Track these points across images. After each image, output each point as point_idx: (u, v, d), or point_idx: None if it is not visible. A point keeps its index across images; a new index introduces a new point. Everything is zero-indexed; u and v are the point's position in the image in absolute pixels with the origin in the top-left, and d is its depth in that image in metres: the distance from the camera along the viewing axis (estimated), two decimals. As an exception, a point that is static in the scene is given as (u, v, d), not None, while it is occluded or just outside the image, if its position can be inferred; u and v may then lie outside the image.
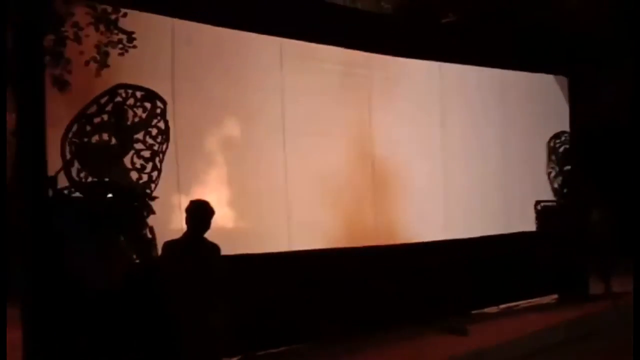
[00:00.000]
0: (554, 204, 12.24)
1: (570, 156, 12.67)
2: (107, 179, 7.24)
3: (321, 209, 9.34)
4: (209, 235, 6.00)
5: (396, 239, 10.07)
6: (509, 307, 11.42)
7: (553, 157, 12.59)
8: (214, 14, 8.29)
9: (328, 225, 9.37)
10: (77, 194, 6.94)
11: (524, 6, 14.88)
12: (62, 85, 6.64)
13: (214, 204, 6.08)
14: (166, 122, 7.67)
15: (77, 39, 6.71)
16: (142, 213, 7.32)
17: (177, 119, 7.88)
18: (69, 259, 6.62)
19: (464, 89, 11.37)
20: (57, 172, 6.90)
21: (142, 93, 7.54)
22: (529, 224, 11.99)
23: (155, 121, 7.63)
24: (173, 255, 5.95)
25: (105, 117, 7.26)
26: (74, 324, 6.58)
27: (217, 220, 6.12)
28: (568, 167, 12.63)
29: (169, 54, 8.00)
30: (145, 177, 7.50)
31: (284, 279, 8.51)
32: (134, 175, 7.47)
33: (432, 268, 10.15)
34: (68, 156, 6.98)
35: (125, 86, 7.40)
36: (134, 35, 7.03)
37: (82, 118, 7.13)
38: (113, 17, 6.93)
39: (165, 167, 7.58)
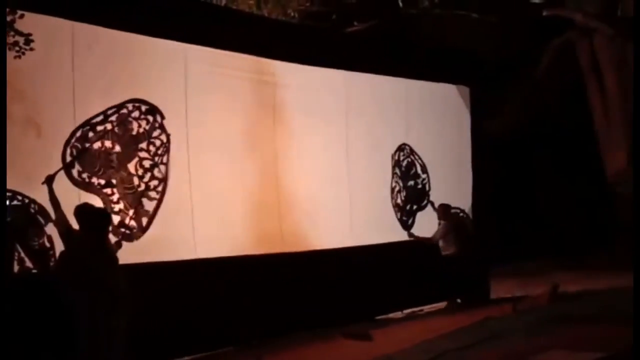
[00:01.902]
0: (457, 210, 12.45)
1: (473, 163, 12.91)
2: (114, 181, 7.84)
3: (226, 221, 9.20)
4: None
5: (302, 249, 10.07)
6: (413, 312, 11.60)
7: (397, 171, 11.65)
8: (115, 18, 8.11)
9: (233, 236, 9.27)
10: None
11: (426, 19, 15.28)
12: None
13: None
14: (167, 136, 8.39)
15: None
16: (39, 221, 7.12)
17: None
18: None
19: (368, 98, 11.46)
20: (56, 172, 7.16)
21: (147, 107, 8.25)
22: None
23: (156, 133, 8.32)
24: (69, 265, 5.78)
25: (109, 126, 7.87)
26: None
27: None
28: (411, 183, 11.85)
29: (69, 58, 7.78)
30: (143, 186, 8.08)
31: (189, 287, 8.42)
32: (135, 180, 8.05)
33: (337, 274, 10.23)
34: (68, 158, 7.45)
35: (134, 100, 8.14)
36: (31, 38, 6.81)
37: (87, 125, 7.71)
38: (9, 18, 6.70)
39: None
